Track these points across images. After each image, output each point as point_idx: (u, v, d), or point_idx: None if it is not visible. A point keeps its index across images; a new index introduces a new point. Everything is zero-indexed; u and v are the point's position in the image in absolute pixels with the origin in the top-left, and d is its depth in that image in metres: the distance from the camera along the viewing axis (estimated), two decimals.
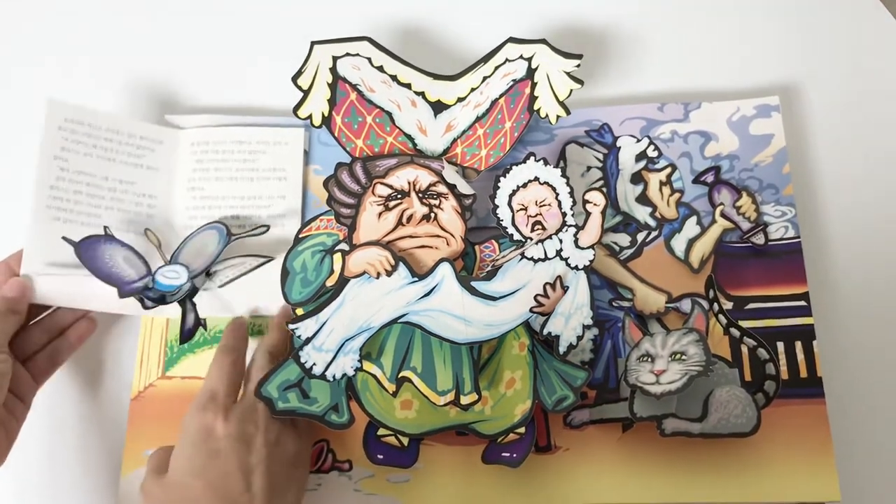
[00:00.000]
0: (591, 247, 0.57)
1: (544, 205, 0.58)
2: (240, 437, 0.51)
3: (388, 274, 0.56)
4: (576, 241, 0.57)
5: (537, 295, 0.56)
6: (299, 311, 0.58)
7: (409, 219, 0.59)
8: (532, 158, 0.59)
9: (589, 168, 0.64)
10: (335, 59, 0.61)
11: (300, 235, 0.60)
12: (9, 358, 0.54)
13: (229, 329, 0.59)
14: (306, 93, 0.61)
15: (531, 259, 0.57)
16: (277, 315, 0.60)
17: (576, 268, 0.57)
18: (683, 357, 0.55)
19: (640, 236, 0.62)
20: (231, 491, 0.49)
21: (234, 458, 0.50)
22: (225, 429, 0.51)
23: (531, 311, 0.56)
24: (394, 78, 0.62)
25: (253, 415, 0.53)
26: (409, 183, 0.60)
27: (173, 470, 0.50)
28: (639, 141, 0.64)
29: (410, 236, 0.58)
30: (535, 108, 0.60)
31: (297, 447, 0.55)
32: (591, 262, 0.57)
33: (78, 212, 0.60)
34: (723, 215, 0.61)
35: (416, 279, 0.56)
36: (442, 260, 0.57)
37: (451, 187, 0.60)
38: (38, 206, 0.58)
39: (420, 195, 0.59)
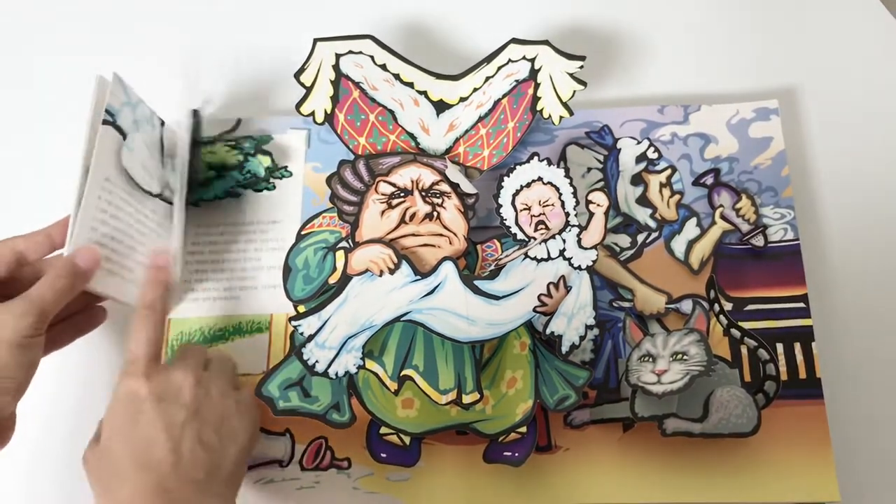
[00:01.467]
0: (594, 247, 0.58)
1: (548, 205, 0.58)
2: (163, 397, 0.49)
3: (391, 272, 0.56)
4: (579, 242, 0.58)
5: (540, 295, 0.56)
6: (301, 309, 0.57)
7: (412, 217, 0.59)
8: (536, 158, 0.59)
9: (589, 169, 0.64)
10: (338, 56, 0.61)
11: (302, 232, 0.60)
12: (43, 341, 0.50)
13: (147, 282, 0.54)
14: (309, 90, 0.61)
15: (534, 259, 0.57)
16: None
17: (578, 268, 0.57)
18: (685, 357, 0.56)
19: (641, 237, 0.62)
20: (153, 453, 0.47)
21: (159, 419, 0.48)
22: (147, 390, 0.49)
23: (534, 310, 0.56)
24: (396, 76, 0.62)
25: (178, 376, 0.51)
26: (412, 181, 0.60)
27: (102, 437, 0.49)
28: (639, 143, 0.65)
29: (413, 234, 0.58)
30: (538, 108, 0.60)
31: (236, 396, 0.53)
32: (594, 262, 0.57)
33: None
34: (722, 217, 0.62)
35: (418, 277, 0.56)
36: (445, 258, 0.57)
37: (454, 186, 0.60)
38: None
39: (423, 194, 0.59)
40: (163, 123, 0.63)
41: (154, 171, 0.61)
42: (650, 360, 0.56)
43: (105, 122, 0.55)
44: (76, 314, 0.57)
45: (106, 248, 0.54)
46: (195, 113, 0.62)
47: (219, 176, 0.63)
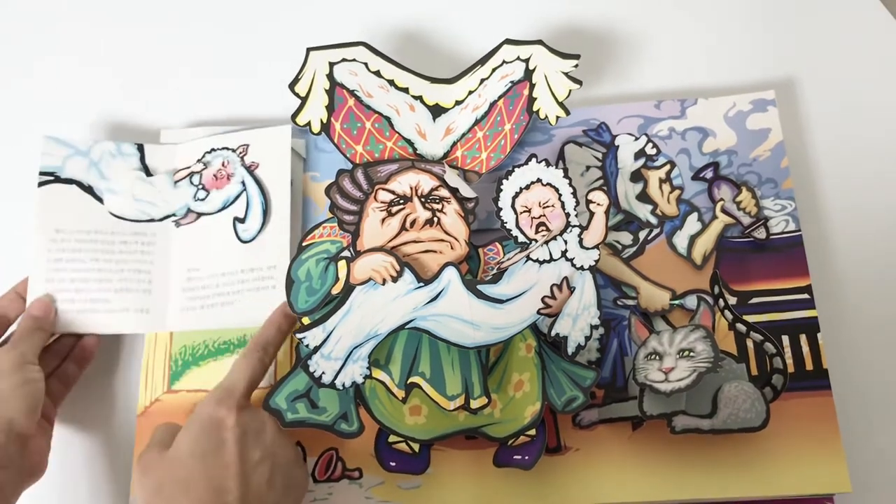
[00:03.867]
0: (596, 247, 0.57)
1: (548, 206, 0.58)
2: (247, 432, 0.51)
3: (394, 280, 0.56)
4: (580, 242, 0.57)
5: (544, 297, 0.56)
6: (306, 321, 0.57)
7: (413, 224, 0.58)
8: (534, 160, 0.59)
9: (588, 167, 0.64)
10: (332, 65, 0.61)
11: (303, 244, 0.60)
12: (41, 370, 0.56)
13: (270, 321, 0.58)
14: (304, 100, 0.61)
15: (536, 261, 0.57)
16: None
17: (581, 268, 0.57)
18: (691, 354, 0.56)
19: (642, 234, 0.62)
20: (225, 482, 0.49)
21: (237, 451, 0.50)
22: (235, 422, 0.51)
23: (538, 312, 0.56)
24: (391, 82, 0.62)
25: (263, 420, 0.53)
26: (411, 188, 0.59)
27: (176, 449, 0.51)
28: (637, 139, 0.64)
29: (414, 241, 0.58)
30: (535, 109, 0.60)
31: (299, 467, 0.55)
32: (597, 262, 0.57)
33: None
34: (723, 211, 0.62)
35: (421, 284, 0.56)
36: (447, 264, 0.56)
37: (454, 191, 0.60)
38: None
39: (422, 200, 0.59)
40: (140, 147, 0.65)
41: (158, 196, 0.64)
42: (657, 357, 0.56)
43: (43, 183, 0.62)
44: (72, 350, 0.61)
45: (67, 292, 0.60)
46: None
47: None
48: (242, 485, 0.49)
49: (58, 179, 0.62)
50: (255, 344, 0.56)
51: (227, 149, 0.64)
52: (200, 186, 0.63)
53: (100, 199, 0.63)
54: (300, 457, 0.56)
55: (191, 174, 0.64)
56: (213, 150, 0.64)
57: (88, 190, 0.63)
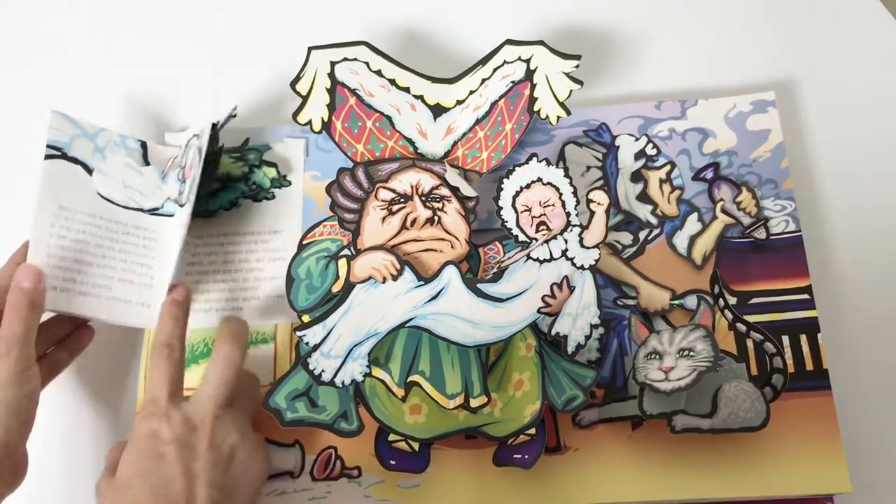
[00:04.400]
0: (597, 246, 0.57)
1: (548, 205, 0.58)
2: (184, 442, 0.51)
3: (394, 278, 0.56)
4: (581, 241, 0.57)
5: (545, 295, 0.56)
6: (306, 318, 0.57)
7: (413, 222, 0.59)
8: (535, 159, 0.59)
9: (588, 168, 0.64)
10: (333, 64, 0.61)
11: (303, 242, 0.60)
12: (38, 372, 0.52)
13: (163, 317, 0.55)
14: (305, 98, 0.61)
15: (537, 260, 0.57)
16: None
17: (581, 267, 0.57)
18: (692, 353, 0.56)
19: (642, 234, 0.62)
20: (173, 496, 0.49)
21: (178, 463, 0.50)
22: (170, 433, 0.50)
23: (539, 311, 0.56)
24: (392, 82, 0.62)
25: (196, 418, 0.52)
26: (411, 186, 0.60)
27: (120, 472, 0.51)
28: (637, 139, 0.65)
29: (415, 240, 0.58)
30: (536, 109, 0.60)
31: (247, 444, 0.53)
32: (597, 261, 0.57)
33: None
34: (724, 211, 0.62)
35: (422, 283, 0.56)
36: (447, 263, 0.56)
37: (454, 190, 0.60)
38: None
39: (423, 199, 0.59)
40: (144, 144, 0.64)
41: (147, 187, 0.62)
42: (657, 357, 0.56)
43: (49, 157, 0.59)
44: (65, 338, 0.59)
45: (69, 271, 0.57)
46: (213, 126, 0.62)
47: (224, 187, 0.63)
48: (189, 495, 0.49)
49: (65, 156, 0.60)
50: (158, 343, 0.54)
51: (196, 135, 0.63)
52: (182, 180, 0.63)
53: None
54: (253, 439, 0.54)
55: (175, 168, 0.63)
56: (188, 140, 0.64)
57: (92, 174, 0.61)
